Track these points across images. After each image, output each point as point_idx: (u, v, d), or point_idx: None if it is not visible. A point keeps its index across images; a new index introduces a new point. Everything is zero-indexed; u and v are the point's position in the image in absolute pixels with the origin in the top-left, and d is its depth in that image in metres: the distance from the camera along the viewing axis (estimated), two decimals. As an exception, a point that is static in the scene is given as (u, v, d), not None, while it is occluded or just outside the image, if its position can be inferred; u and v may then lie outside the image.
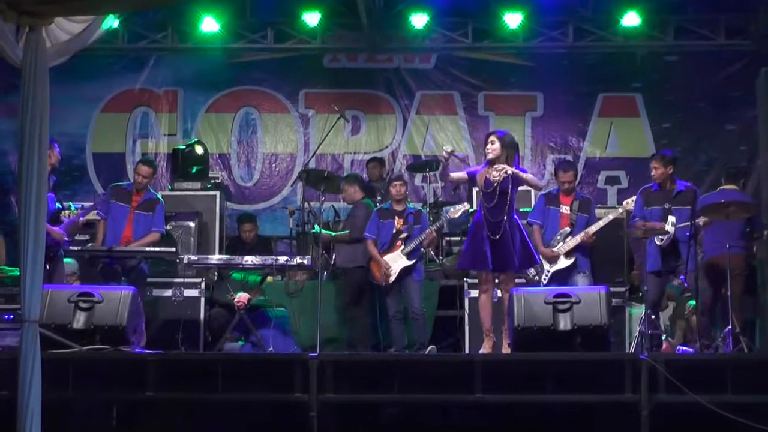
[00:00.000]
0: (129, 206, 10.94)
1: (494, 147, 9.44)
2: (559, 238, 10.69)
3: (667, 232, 10.23)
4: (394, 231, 11.07)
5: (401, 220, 11.13)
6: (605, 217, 10.77)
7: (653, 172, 10.61)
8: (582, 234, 10.63)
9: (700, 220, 10.24)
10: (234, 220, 13.10)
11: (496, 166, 9.33)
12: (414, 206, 11.71)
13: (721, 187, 10.84)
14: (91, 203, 11.21)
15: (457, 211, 11.21)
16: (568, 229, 10.72)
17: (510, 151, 9.44)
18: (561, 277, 10.59)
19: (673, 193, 10.46)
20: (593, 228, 10.67)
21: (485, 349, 9.48)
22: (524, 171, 9.56)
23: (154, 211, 10.96)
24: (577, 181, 11.27)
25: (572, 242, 10.65)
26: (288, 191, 14.33)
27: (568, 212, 10.81)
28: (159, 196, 11.23)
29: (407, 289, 11.00)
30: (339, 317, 11.47)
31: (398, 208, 11.18)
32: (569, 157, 13.85)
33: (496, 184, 9.28)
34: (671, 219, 10.27)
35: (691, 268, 10.06)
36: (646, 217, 10.51)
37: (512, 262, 9.33)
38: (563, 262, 10.64)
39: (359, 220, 11.34)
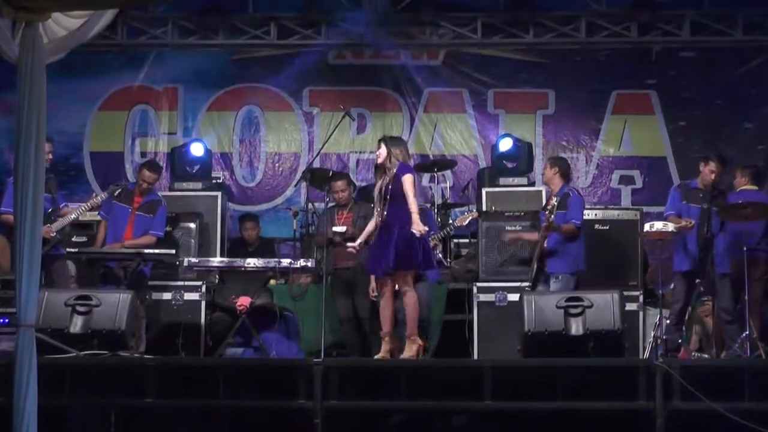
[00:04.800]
0: (130, 207, 10.97)
1: (380, 152, 9.68)
2: None
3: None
4: None
5: None
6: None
7: (712, 176, 10.47)
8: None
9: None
10: (236, 221, 13.13)
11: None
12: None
13: (741, 188, 10.81)
14: (79, 204, 11.22)
15: (464, 218, 11.21)
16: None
17: (393, 149, 9.69)
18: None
19: (713, 194, 10.39)
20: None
21: (381, 354, 9.57)
22: (405, 172, 9.61)
23: (155, 213, 10.98)
24: (550, 173, 10.90)
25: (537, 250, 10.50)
26: (292, 192, 14.33)
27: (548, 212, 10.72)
28: (162, 198, 11.26)
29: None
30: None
31: None
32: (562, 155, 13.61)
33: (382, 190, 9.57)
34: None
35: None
36: (681, 213, 10.45)
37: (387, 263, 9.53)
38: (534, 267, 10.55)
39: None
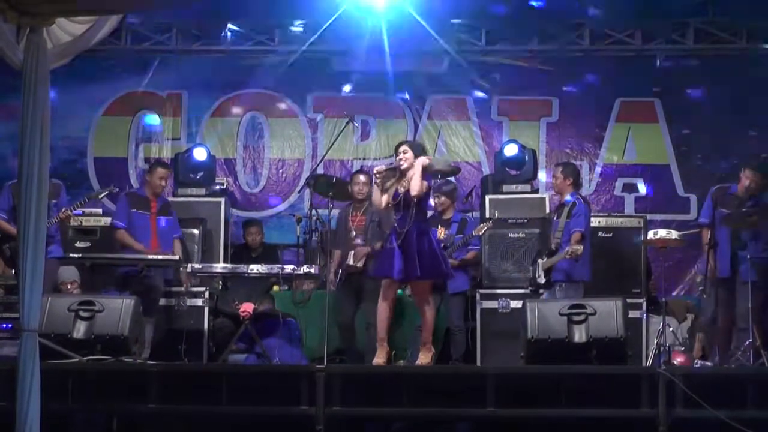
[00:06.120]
0: (149, 213, 10.98)
1: (407, 156, 9.52)
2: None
3: None
4: None
5: (443, 229, 11.13)
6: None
7: (746, 183, 10.45)
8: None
9: None
10: (239, 227, 13.12)
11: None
12: (460, 215, 11.67)
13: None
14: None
15: (481, 228, 11.18)
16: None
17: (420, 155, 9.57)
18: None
19: (749, 203, 10.36)
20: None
21: (378, 359, 9.52)
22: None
23: (171, 214, 11.06)
24: (565, 181, 10.88)
25: (548, 262, 10.51)
26: (295, 198, 14.32)
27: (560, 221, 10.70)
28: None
29: (447, 301, 10.98)
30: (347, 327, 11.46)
31: (444, 216, 11.18)
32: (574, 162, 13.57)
33: (400, 195, 9.41)
34: None
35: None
36: (714, 218, 10.37)
37: (414, 270, 9.40)
38: (542, 278, 10.54)
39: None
